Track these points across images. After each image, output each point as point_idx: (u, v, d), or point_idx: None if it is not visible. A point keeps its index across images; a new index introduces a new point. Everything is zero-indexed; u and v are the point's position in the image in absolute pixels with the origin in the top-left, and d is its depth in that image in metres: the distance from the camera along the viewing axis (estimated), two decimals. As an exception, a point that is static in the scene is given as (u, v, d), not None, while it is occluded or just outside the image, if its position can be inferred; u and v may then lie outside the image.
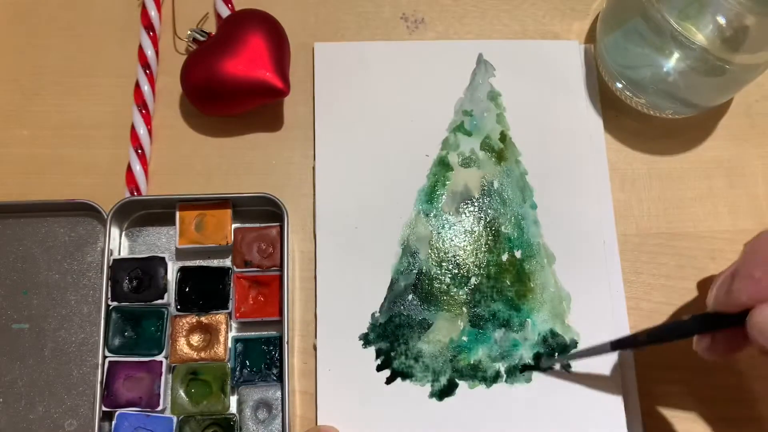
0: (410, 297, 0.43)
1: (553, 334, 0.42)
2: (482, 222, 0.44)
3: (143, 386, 0.40)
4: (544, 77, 0.47)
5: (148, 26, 0.48)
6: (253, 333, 0.41)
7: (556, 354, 0.42)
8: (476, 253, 0.44)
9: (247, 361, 0.41)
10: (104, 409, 0.39)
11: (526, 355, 0.42)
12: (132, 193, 0.44)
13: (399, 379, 0.41)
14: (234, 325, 0.42)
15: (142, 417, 0.39)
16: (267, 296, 0.42)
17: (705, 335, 0.34)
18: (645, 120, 0.47)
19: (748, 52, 0.40)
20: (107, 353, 0.40)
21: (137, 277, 0.41)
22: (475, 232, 0.44)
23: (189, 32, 0.47)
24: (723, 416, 0.42)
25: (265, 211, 0.43)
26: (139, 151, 0.45)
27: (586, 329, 0.42)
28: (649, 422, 0.41)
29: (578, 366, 0.42)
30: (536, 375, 0.42)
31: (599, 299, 0.43)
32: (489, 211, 0.45)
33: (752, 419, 0.42)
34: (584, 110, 0.47)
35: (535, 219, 0.44)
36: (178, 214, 0.42)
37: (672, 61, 0.42)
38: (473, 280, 0.43)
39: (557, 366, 0.42)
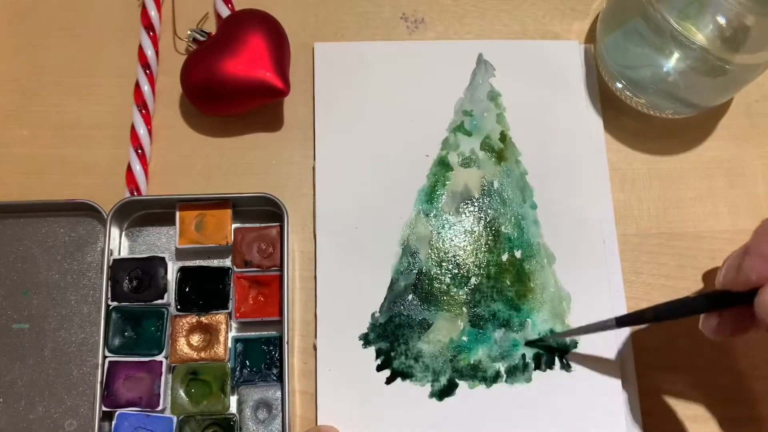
0: (410, 297, 0.43)
1: (553, 334, 0.42)
2: (482, 222, 0.44)
3: (143, 386, 0.40)
4: (544, 77, 0.47)
5: (148, 26, 0.48)
6: (253, 333, 0.41)
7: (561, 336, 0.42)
8: (476, 253, 0.44)
9: (247, 361, 0.41)
10: (104, 409, 0.39)
11: (527, 355, 0.42)
12: (132, 193, 0.44)
13: (399, 379, 0.41)
14: (234, 325, 0.42)
15: (142, 417, 0.39)
16: (267, 296, 0.42)
17: (712, 315, 0.34)
18: (645, 120, 0.47)
19: (748, 52, 0.40)
20: (107, 353, 0.40)
21: (137, 277, 0.41)
22: (475, 232, 0.44)
23: (189, 32, 0.47)
24: (723, 416, 0.42)
25: (265, 211, 0.43)
26: (139, 151, 0.45)
27: (586, 329, 0.42)
28: (649, 422, 0.41)
29: (578, 366, 0.42)
30: (536, 375, 0.41)
31: (599, 299, 0.43)
32: (489, 211, 0.45)
33: (752, 419, 0.42)
34: (584, 110, 0.47)
35: (535, 219, 0.44)
36: (178, 214, 0.42)
37: (672, 61, 0.42)
38: (473, 280, 0.43)
39: (561, 343, 0.42)
